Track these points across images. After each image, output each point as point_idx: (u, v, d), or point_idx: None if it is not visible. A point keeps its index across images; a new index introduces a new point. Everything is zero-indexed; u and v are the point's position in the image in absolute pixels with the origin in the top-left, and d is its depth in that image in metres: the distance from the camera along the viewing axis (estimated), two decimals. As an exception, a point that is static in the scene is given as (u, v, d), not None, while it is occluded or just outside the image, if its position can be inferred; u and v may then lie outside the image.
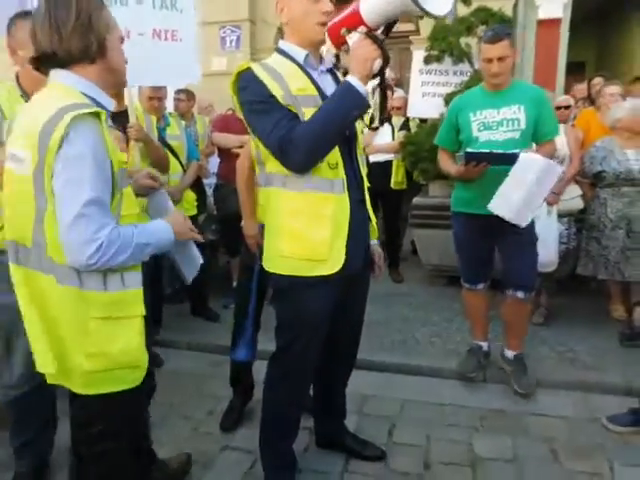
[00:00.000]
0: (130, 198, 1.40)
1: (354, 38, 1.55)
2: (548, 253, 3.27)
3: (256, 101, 1.59)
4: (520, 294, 2.68)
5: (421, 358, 3.12)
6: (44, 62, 1.30)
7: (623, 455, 2.23)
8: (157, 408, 2.61)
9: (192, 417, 2.59)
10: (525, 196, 2.35)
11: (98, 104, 1.31)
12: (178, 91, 4.37)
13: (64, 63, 1.29)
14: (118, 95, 2.86)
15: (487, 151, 2.44)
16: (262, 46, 7.25)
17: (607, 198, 3.45)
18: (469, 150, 2.47)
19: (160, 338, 3.38)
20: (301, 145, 1.53)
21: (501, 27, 2.64)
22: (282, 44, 1.73)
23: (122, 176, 1.35)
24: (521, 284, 2.68)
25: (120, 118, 2.82)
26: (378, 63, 1.56)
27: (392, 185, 4.62)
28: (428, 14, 1.45)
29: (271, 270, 1.74)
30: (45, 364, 1.38)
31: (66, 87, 1.29)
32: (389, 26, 1.58)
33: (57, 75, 1.31)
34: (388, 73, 1.82)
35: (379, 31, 1.56)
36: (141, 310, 1.38)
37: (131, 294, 1.36)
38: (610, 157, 3.40)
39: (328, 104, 1.57)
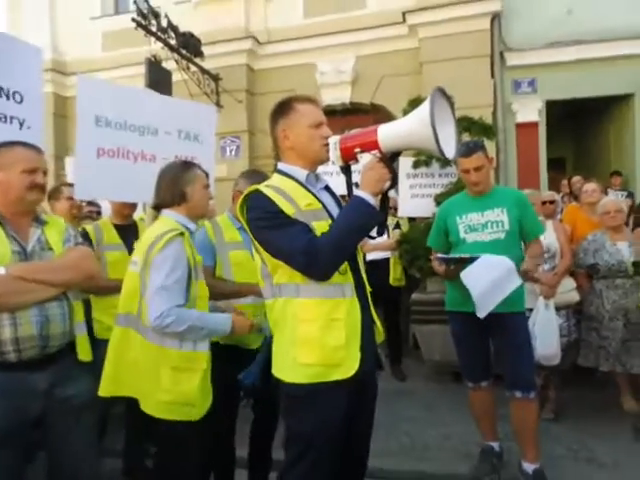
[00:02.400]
0: (203, 286, 2.14)
1: (365, 158, 1.73)
2: (550, 346, 3.27)
3: (268, 217, 1.68)
4: (518, 393, 2.64)
5: (432, 464, 2.99)
6: (159, 206, 2.18)
7: None
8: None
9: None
10: (488, 283, 2.45)
11: (185, 227, 2.09)
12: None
13: (165, 206, 2.15)
14: (131, 210, 3.06)
15: (458, 256, 2.63)
16: (260, 154, 7.72)
17: (602, 290, 3.53)
18: (439, 255, 2.69)
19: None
20: (326, 256, 1.62)
21: (473, 142, 2.91)
22: (282, 166, 1.86)
23: (197, 270, 2.07)
24: (518, 383, 2.65)
25: (128, 230, 3.00)
26: (387, 184, 1.72)
27: (391, 282, 4.71)
28: (443, 155, 1.63)
29: (286, 380, 1.72)
30: (105, 390, 2.07)
31: (167, 219, 2.13)
32: (397, 153, 1.77)
33: (164, 212, 2.16)
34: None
35: (388, 155, 1.72)
36: (203, 366, 2.01)
37: (199, 354, 2.01)
38: (602, 250, 3.53)
39: (346, 217, 1.69)
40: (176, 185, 2.12)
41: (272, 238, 1.68)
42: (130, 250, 2.97)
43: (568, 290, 3.59)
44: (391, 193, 5.58)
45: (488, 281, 2.45)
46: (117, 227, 2.98)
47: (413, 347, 5.17)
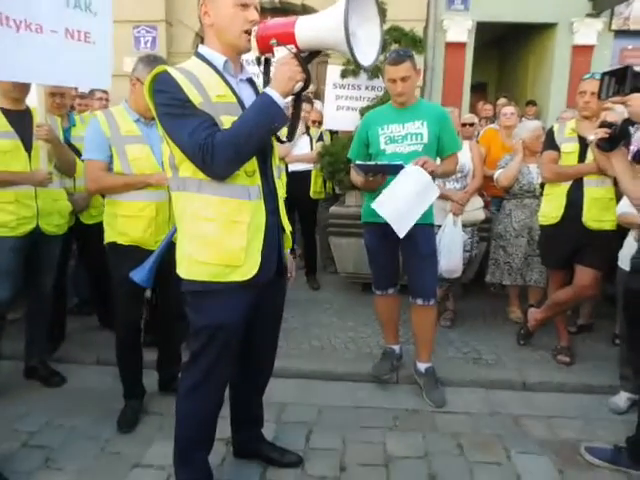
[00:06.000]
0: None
1: (281, 52, 1.58)
2: (454, 261, 3.49)
3: (173, 105, 1.55)
4: (420, 301, 2.81)
5: (338, 363, 3.19)
6: None
7: (519, 444, 2.43)
8: (58, 431, 2.47)
9: (98, 437, 2.43)
10: (405, 204, 2.47)
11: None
12: (93, 91, 4.31)
13: None
14: (21, 91, 2.67)
15: (374, 163, 2.60)
16: (179, 49, 7.09)
17: (512, 209, 3.79)
18: (358, 162, 2.64)
19: (63, 354, 3.20)
20: (222, 153, 1.52)
21: (403, 50, 2.81)
22: (201, 49, 1.70)
23: None
24: (421, 291, 2.81)
25: (20, 117, 2.65)
26: (300, 85, 1.60)
27: (311, 194, 4.71)
28: (356, 61, 1.52)
29: (185, 276, 1.71)
30: None
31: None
32: (315, 52, 1.63)
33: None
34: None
35: (305, 53, 1.59)
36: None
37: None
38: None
39: (249, 115, 1.57)
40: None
41: (174, 127, 1.57)
42: (24, 139, 2.64)
43: (475, 208, 3.79)
44: (317, 105, 5.37)
45: (402, 205, 2.45)
46: (6, 112, 2.61)
47: (329, 259, 5.32)
